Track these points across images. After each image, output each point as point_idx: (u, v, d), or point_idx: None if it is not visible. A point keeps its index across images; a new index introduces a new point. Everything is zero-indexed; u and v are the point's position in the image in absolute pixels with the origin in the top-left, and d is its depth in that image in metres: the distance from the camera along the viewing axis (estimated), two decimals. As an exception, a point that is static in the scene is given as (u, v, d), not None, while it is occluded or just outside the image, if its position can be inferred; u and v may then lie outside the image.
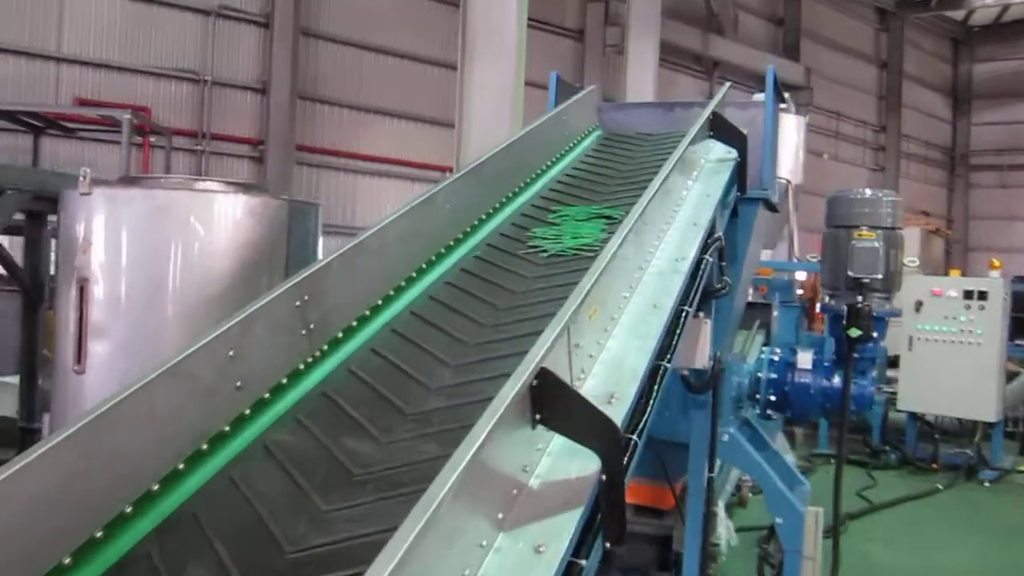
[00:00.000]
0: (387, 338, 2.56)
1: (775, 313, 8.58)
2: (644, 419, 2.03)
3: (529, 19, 17.46)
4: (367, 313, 2.49)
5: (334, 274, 2.31)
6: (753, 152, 4.47)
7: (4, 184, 4.46)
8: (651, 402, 2.11)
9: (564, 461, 1.64)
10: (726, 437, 4.18)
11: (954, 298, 9.14)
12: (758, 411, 4.61)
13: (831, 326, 4.63)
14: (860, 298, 4.45)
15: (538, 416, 1.60)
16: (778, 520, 4.18)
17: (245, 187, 3.27)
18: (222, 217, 3.08)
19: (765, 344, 8.37)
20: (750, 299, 10.66)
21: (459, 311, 2.72)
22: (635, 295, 2.36)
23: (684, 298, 2.64)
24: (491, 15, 6.67)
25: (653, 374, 2.24)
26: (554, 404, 1.58)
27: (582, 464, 1.62)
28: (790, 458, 9.43)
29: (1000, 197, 28.62)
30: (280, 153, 14.75)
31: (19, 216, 5.38)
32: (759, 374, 4.50)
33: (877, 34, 26.87)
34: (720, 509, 5.05)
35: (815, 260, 8.06)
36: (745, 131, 4.31)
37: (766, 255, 11.00)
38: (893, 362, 10.51)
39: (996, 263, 9.86)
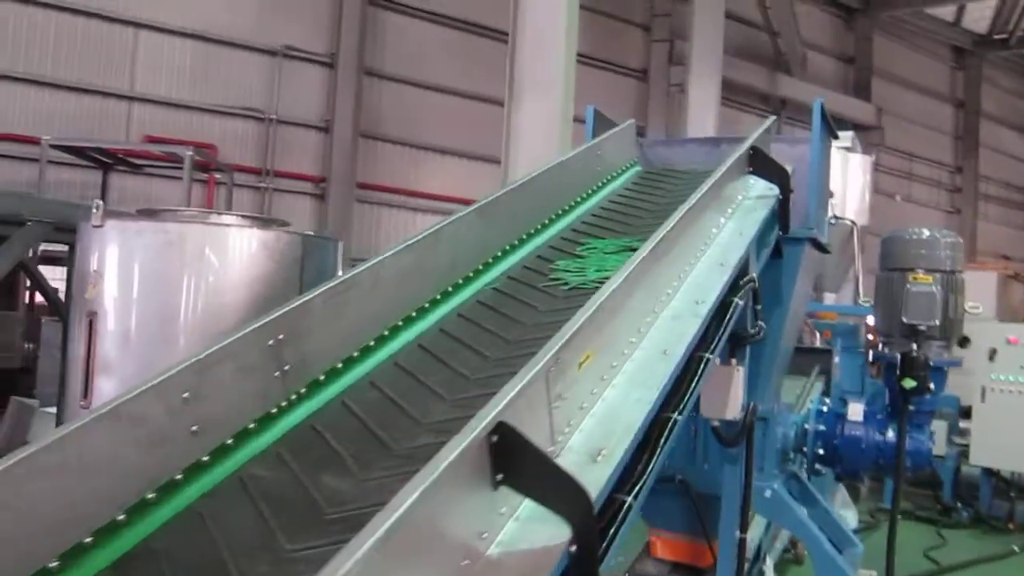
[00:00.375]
0: (386, 371, 2.43)
1: (836, 360, 8.21)
2: (643, 478, 1.83)
3: (593, 59, 17.79)
4: (355, 354, 2.34)
5: (317, 311, 2.18)
6: (804, 190, 4.25)
7: (26, 215, 4.49)
8: (654, 458, 1.92)
9: (533, 527, 1.46)
10: (768, 493, 3.90)
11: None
12: (806, 466, 4.31)
13: (885, 376, 4.32)
14: (915, 346, 4.14)
15: (500, 476, 1.42)
16: (825, 585, 3.87)
17: (260, 221, 3.18)
18: (234, 251, 2.99)
19: (825, 392, 8.03)
20: (811, 344, 10.28)
21: (467, 344, 2.58)
22: (644, 340, 2.16)
23: (704, 344, 2.43)
24: (539, 52, 6.58)
25: (662, 427, 2.04)
26: (516, 463, 1.40)
27: (554, 531, 1.43)
28: (851, 514, 8.96)
29: (1084, 240, 27.37)
30: (341, 190, 14.92)
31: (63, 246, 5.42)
32: (806, 425, 4.21)
33: (953, 72, 26.14)
34: (768, 568, 4.73)
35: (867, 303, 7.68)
36: (791, 168, 4.09)
37: (830, 299, 10.60)
38: (966, 413, 9.95)
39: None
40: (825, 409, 4.28)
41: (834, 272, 10.34)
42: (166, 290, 3.08)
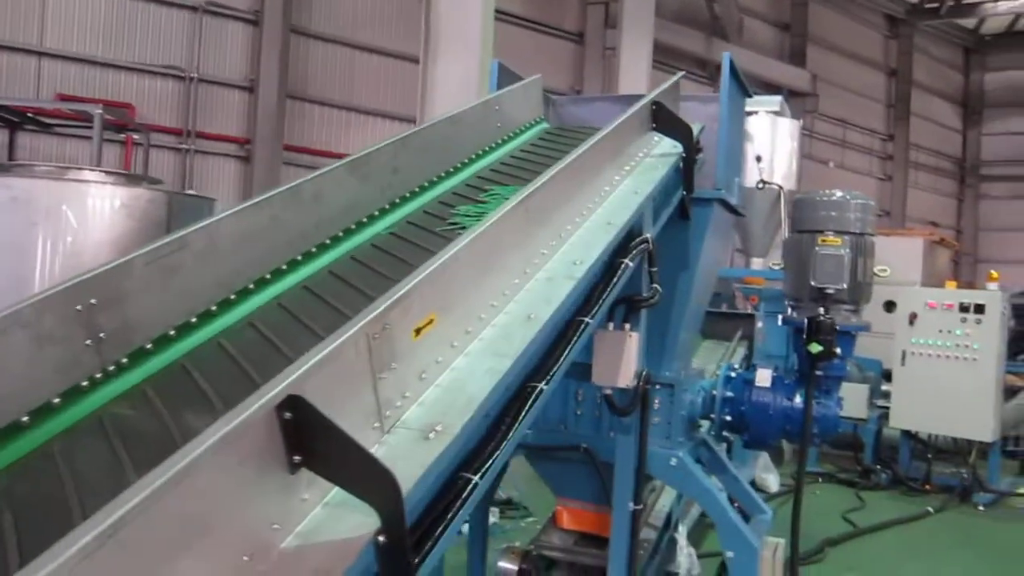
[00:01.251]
0: (235, 332, 2.26)
1: (759, 324, 8.20)
2: (493, 456, 1.66)
3: (528, 20, 17.47)
4: (193, 320, 2.12)
5: (139, 273, 1.95)
6: (714, 149, 4.12)
7: None
8: (510, 434, 1.75)
9: (340, 515, 1.28)
10: (674, 461, 3.80)
11: (950, 311, 8.70)
12: (713, 433, 4.22)
13: (793, 340, 4.23)
14: (823, 310, 4.06)
15: (297, 458, 1.23)
16: (729, 554, 3.79)
17: (121, 177, 2.92)
18: (87, 210, 2.74)
19: (747, 358, 8.01)
20: (740, 310, 10.29)
21: (329, 302, 2.39)
22: (509, 304, 1.99)
23: (585, 308, 2.27)
24: (455, 8, 6.32)
25: (524, 399, 1.88)
26: (316, 443, 1.22)
27: (361, 520, 1.26)
28: (773, 477, 9.03)
29: (1011, 208, 28.10)
30: (267, 153, 14.46)
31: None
32: (714, 392, 4.11)
33: (886, 41, 26.42)
34: (681, 536, 4.66)
35: (778, 267, 7.66)
36: (699, 126, 3.96)
37: (757, 263, 10.62)
38: (889, 376, 10.09)
39: (994, 275, 9.40)
40: (733, 375, 4.18)
41: (761, 237, 10.34)
42: (14, 251, 2.81)
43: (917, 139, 27.07)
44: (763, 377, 4.07)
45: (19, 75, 12.44)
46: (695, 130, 3.65)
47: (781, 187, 9.86)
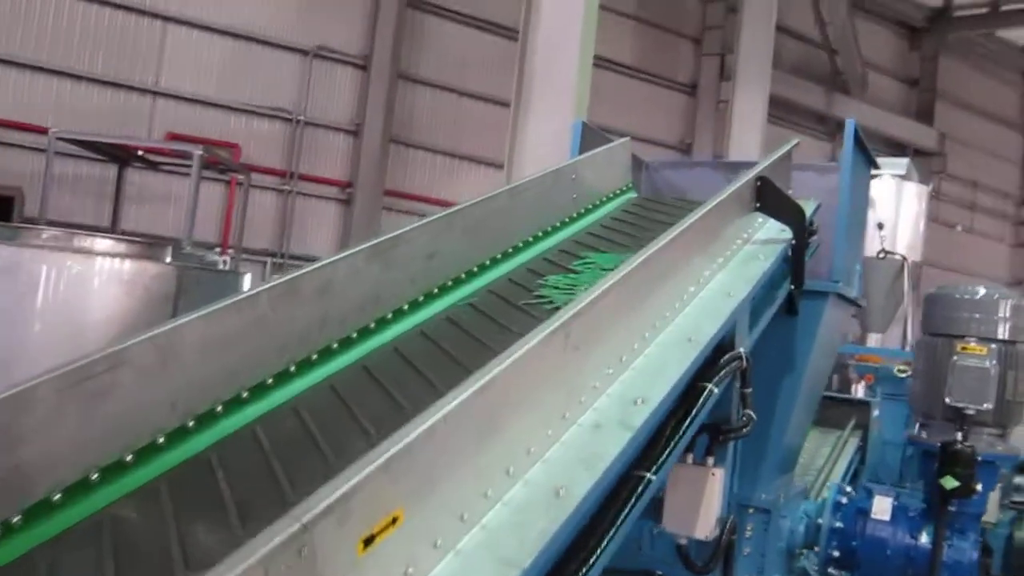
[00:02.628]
0: (318, 395, 1.98)
1: (875, 413, 7.34)
2: None
3: (640, 71, 17.01)
4: (129, 459, 1.67)
5: (48, 404, 1.51)
6: (831, 230, 3.51)
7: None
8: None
9: None
10: (767, 601, 3.16)
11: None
12: (817, 567, 3.54)
13: (920, 465, 3.54)
14: (960, 435, 3.35)
15: None
16: None
17: (124, 244, 2.54)
18: (78, 284, 2.37)
19: (861, 447, 7.18)
20: (853, 390, 9.39)
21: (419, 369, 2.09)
22: (532, 468, 1.46)
23: (641, 459, 1.72)
24: (551, 54, 5.90)
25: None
26: None
27: None
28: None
29: None
30: (368, 197, 14.38)
31: None
32: (820, 520, 3.44)
33: (1022, 99, 24.78)
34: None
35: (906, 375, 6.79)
36: (815, 203, 3.36)
37: (874, 340, 9.73)
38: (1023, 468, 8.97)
39: None
40: (844, 500, 3.50)
41: (881, 310, 9.46)
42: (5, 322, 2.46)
43: (1054, 203, 25.20)
44: (881, 507, 3.38)
45: (134, 113, 12.74)
46: (809, 210, 3.07)
47: (905, 258, 9.02)
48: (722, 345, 2.18)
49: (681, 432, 1.86)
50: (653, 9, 17.29)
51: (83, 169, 12.28)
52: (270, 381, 1.97)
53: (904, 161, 9.59)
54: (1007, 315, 3.50)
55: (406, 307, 2.39)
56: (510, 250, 2.86)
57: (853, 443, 6.87)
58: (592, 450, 1.51)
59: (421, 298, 2.45)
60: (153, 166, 12.41)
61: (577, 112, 5.91)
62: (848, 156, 3.52)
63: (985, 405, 3.38)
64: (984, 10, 20.87)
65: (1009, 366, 3.45)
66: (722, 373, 2.13)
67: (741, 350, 2.25)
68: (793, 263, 2.87)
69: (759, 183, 2.88)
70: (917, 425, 3.83)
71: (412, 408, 1.95)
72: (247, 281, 2.95)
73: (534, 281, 2.71)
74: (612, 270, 2.70)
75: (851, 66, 19.04)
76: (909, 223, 8.93)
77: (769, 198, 2.86)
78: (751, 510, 3.18)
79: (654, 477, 1.72)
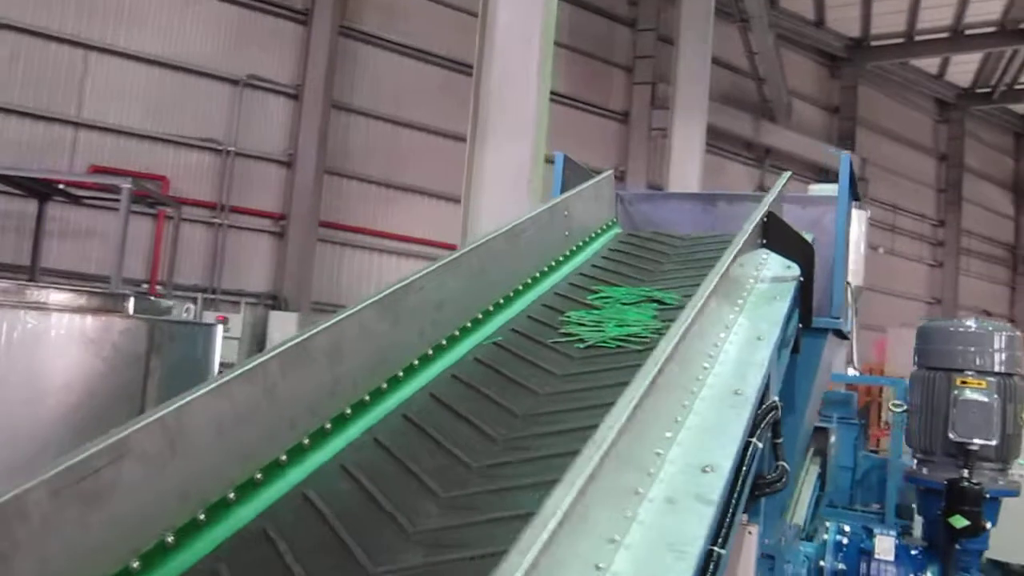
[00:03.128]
0: (365, 449, 1.85)
1: (832, 438, 7.34)
2: None
3: (571, 99, 17.09)
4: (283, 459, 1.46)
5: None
6: (824, 265, 3.43)
7: None
8: None
9: None
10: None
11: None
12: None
13: (922, 502, 3.47)
14: (966, 471, 3.29)
15: None
16: None
17: (87, 298, 2.28)
18: (35, 344, 2.11)
19: (821, 474, 7.17)
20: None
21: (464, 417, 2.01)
22: (617, 555, 1.29)
23: (715, 535, 1.56)
24: (509, 86, 5.78)
25: None
26: None
27: None
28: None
29: (1067, 298, 27.07)
30: (303, 229, 14.01)
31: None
32: (821, 562, 3.34)
33: (936, 126, 25.84)
34: None
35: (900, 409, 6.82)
36: (808, 236, 3.27)
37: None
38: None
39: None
40: (845, 541, 3.41)
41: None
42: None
43: (969, 225, 26.26)
44: (884, 547, 3.30)
45: (54, 146, 12.18)
46: (807, 244, 2.97)
47: (849, 283, 9.12)
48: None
49: (741, 497, 1.71)
50: (585, 39, 17.44)
51: (0, 205, 11.66)
52: (283, 458, 1.74)
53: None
54: (1002, 347, 3.48)
55: (417, 363, 2.20)
56: (512, 294, 2.69)
57: (814, 471, 6.85)
58: (676, 533, 1.34)
59: (430, 351, 2.25)
60: (76, 200, 11.86)
61: (536, 143, 5.80)
62: (844, 189, 3.47)
63: (991, 441, 3.33)
64: (899, 40, 21.68)
65: (1008, 399, 3.42)
66: (762, 425, 1.99)
67: (775, 399, 2.12)
68: (801, 301, 2.77)
69: (766, 219, 2.78)
70: (915, 461, 3.77)
71: (434, 493, 1.75)
72: (219, 334, 2.70)
73: (555, 318, 2.56)
74: (631, 304, 2.63)
75: (777, 94, 19.53)
76: (852, 248, 9.00)
77: (776, 234, 2.76)
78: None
79: (724, 552, 1.56)
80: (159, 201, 12.06)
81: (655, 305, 2.72)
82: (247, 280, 13.75)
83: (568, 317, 2.58)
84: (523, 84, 5.74)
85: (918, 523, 6.29)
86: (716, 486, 1.48)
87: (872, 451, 12.33)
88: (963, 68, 23.92)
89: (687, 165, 13.64)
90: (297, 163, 13.96)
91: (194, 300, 13.21)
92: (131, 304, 2.49)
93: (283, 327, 13.40)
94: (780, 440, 2.20)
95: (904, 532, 8.71)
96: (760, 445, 1.95)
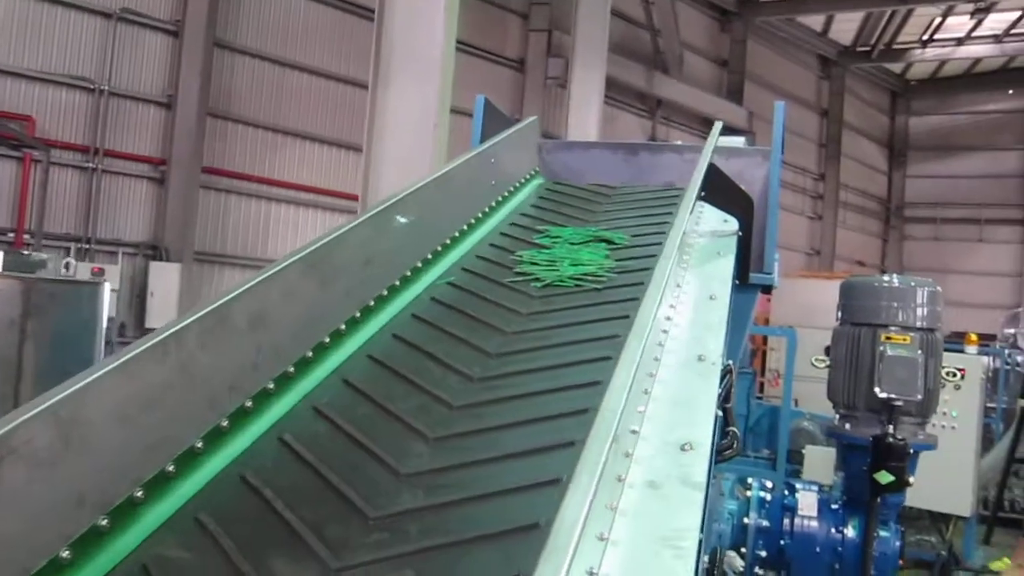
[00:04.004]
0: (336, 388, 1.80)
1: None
2: None
3: (467, 45, 16.66)
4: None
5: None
6: (758, 220, 3.34)
7: None
8: None
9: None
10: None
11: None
12: (742, 568, 3.42)
13: (844, 458, 3.49)
14: (891, 427, 3.31)
15: None
16: None
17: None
18: None
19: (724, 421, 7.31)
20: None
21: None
22: (609, 556, 1.13)
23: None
24: (413, 25, 5.46)
25: None
26: None
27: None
28: None
29: (933, 249, 28.69)
30: (184, 174, 13.24)
31: None
32: (746, 519, 3.32)
33: (819, 82, 26.65)
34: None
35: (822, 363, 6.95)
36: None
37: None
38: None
39: (973, 337, 8.95)
40: (769, 498, 3.40)
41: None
42: None
43: (847, 179, 27.36)
44: (807, 503, 3.29)
45: (-100, 81, 11.07)
46: (741, 198, 2.87)
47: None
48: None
49: (711, 473, 1.58)
50: (480, -17, 17.03)
51: None
52: (200, 445, 1.49)
53: (740, 139, 9.85)
54: (924, 302, 3.50)
55: (344, 327, 1.96)
56: (441, 248, 2.48)
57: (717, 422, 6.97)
58: (666, 523, 1.19)
59: (358, 314, 2.03)
60: (-71, 141, 10.85)
61: (443, 85, 5.52)
62: (778, 137, 3.38)
63: (917, 396, 3.36)
64: (786, -4, 22.13)
65: (930, 355, 3.45)
66: (720, 391, 1.87)
67: (729, 361, 2.01)
68: (739, 256, 2.67)
69: (710, 172, 2.66)
70: (838, 417, 3.79)
71: (398, 465, 1.56)
72: (106, 292, 2.38)
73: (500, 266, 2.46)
74: (582, 243, 2.55)
75: (671, 46, 19.64)
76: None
77: (719, 188, 2.64)
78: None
79: (702, 535, 1.43)
80: (24, 143, 11.16)
81: (604, 244, 2.71)
82: (125, 229, 12.96)
83: (521, 256, 2.56)
84: (429, 24, 5.44)
85: (812, 467, 6.49)
86: (700, 465, 1.34)
87: (758, 398, 12.74)
88: (845, 27, 24.65)
89: (586, 115, 13.56)
90: (177, 105, 13.13)
91: (67, 250, 12.40)
92: None
93: (164, 278, 12.76)
94: (730, 404, 2.09)
95: (794, 475, 9.07)
96: (721, 414, 1.83)
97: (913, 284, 3.61)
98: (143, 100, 13.05)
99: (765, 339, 15.73)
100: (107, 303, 2.41)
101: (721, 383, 1.93)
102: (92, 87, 12.50)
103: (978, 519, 9.30)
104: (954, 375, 8.06)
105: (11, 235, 11.72)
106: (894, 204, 29.65)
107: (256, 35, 14.10)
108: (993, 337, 17.84)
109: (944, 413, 8.11)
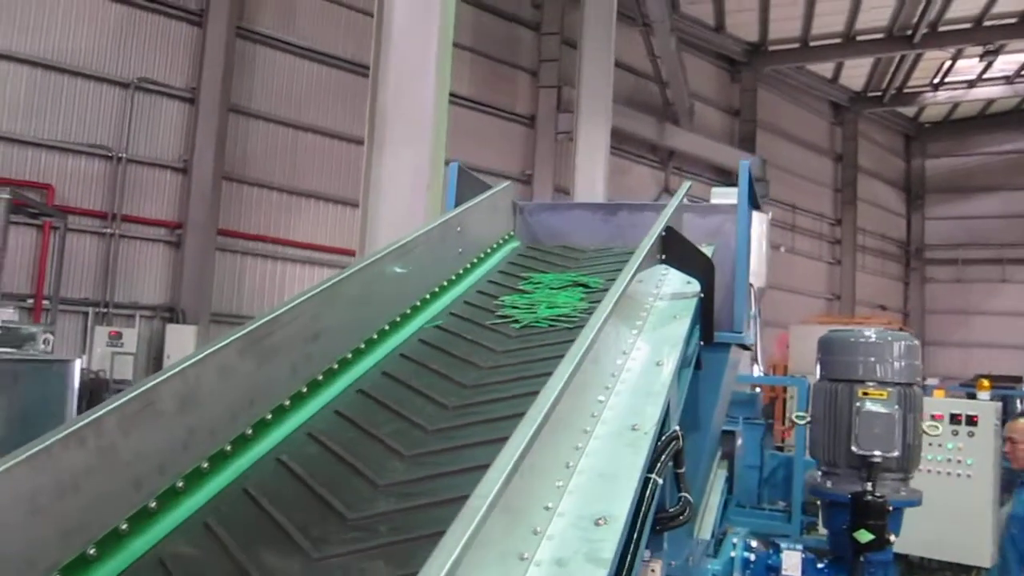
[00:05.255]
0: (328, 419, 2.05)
1: (739, 441, 7.40)
2: None
3: (478, 103, 16.96)
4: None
5: None
6: (727, 277, 3.37)
7: None
8: None
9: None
10: None
11: (939, 422, 8.02)
12: (729, 629, 3.37)
13: (827, 516, 3.45)
14: (870, 484, 3.27)
15: None
16: None
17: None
18: None
19: (729, 477, 7.21)
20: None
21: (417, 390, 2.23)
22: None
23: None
24: (405, 89, 5.58)
25: None
26: None
27: None
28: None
29: (956, 291, 28.38)
30: (200, 237, 13.45)
31: None
32: (730, 581, 3.28)
33: (832, 128, 26.74)
34: None
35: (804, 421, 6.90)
36: (709, 248, 3.21)
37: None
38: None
39: (986, 383, 8.81)
40: (752, 558, 3.35)
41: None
42: None
43: (864, 223, 27.26)
44: (791, 563, 3.24)
45: (-74, 153, 11.40)
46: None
47: (752, 284, 9.23)
48: (657, 425, 1.93)
49: (640, 540, 1.58)
50: (489, 41, 17.35)
51: None
52: (124, 527, 1.52)
53: (734, 191, 9.86)
54: (901, 356, 3.48)
55: (288, 403, 1.99)
56: (399, 319, 2.51)
57: (722, 475, 6.87)
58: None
59: (304, 389, 2.06)
60: (-50, 211, 11.10)
61: (435, 147, 5.62)
62: (744, 198, 3.41)
63: (893, 452, 3.32)
64: (795, 45, 22.29)
65: (908, 409, 3.41)
66: (663, 459, 1.87)
67: (676, 428, 2.01)
68: (703, 317, 2.68)
69: (666, 234, 2.68)
70: (820, 474, 3.74)
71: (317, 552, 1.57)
72: (76, 371, 2.42)
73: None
74: (560, 288, 2.63)
75: (680, 98, 19.82)
76: (755, 252, 9.09)
77: (675, 249, 2.66)
78: (663, 581, 2.96)
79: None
80: (42, 211, 11.42)
81: (582, 288, 2.87)
82: (142, 292, 13.14)
83: (503, 301, 2.75)
84: (421, 87, 5.55)
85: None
86: (611, 540, 1.34)
87: (778, 448, 12.56)
88: (855, 72, 24.78)
89: (593, 168, 13.67)
90: (193, 169, 13.41)
91: (84, 314, 12.58)
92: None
93: (181, 341, 12.86)
94: (682, 470, 2.08)
95: (810, 527, 8.89)
96: (660, 481, 1.83)
97: (890, 338, 3.58)
98: (159, 165, 13.34)
99: (785, 387, 15.54)
100: (77, 382, 2.44)
101: (666, 451, 1.93)
102: (110, 154, 12.80)
103: (1000, 569, 9.03)
104: (970, 421, 7.92)
105: (30, 301, 11.92)
106: (913, 247, 29.44)
107: (268, 99, 14.41)
108: (1019, 379, 17.54)
109: (959, 461, 7.97)
